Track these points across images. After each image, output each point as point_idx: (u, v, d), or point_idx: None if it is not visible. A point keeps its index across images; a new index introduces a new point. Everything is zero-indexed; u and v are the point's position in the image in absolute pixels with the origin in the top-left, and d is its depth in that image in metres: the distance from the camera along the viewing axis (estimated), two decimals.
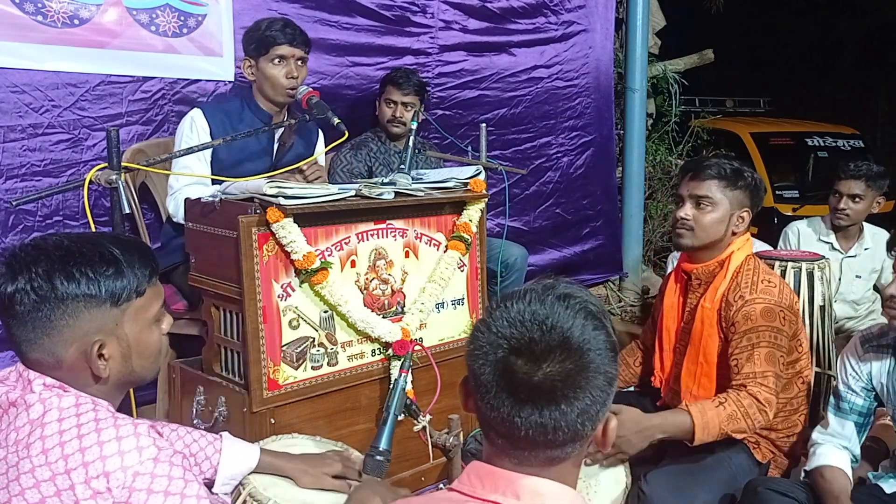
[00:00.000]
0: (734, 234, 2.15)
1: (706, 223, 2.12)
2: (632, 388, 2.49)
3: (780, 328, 2.03)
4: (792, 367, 2.14)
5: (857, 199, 3.36)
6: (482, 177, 2.40)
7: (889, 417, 2.08)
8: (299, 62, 2.56)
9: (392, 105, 3.12)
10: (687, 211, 2.13)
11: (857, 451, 2.00)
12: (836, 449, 1.96)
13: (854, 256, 3.48)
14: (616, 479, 1.86)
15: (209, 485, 1.58)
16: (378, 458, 1.75)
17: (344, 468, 1.70)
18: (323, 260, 2.01)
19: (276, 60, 2.52)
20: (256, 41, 2.54)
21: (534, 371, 0.95)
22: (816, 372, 2.84)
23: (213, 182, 2.42)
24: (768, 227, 5.43)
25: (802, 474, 2.02)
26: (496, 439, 1.00)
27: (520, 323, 0.97)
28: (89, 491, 1.09)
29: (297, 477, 1.66)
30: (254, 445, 1.67)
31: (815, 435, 2.04)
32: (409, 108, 3.10)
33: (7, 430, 1.16)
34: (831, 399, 2.06)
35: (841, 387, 2.03)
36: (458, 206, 2.34)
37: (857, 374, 2.00)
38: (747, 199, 2.15)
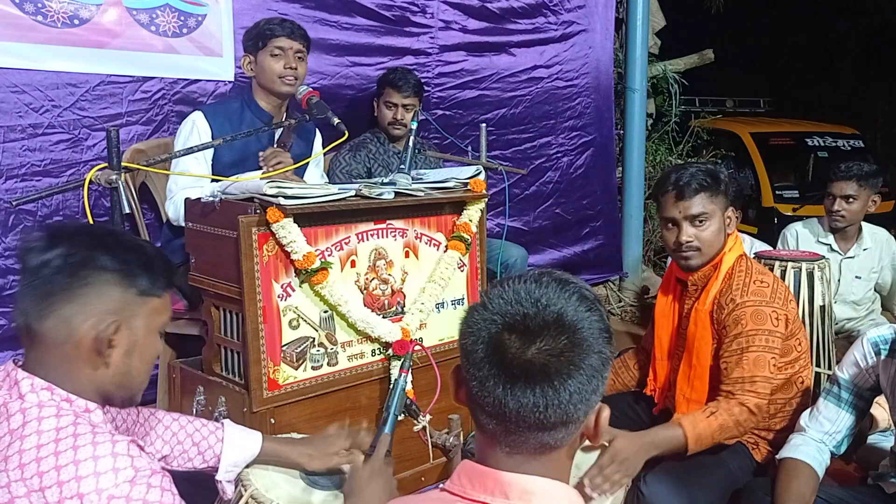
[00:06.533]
0: (728, 235, 2.16)
1: (709, 238, 2.10)
2: (630, 391, 2.49)
3: (773, 329, 2.02)
4: (790, 366, 2.14)
5: (850, 200, 3.35)
6: (482, 177, 2.40)
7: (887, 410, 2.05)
8: (297, 55, 2.59)
9: (392, 108, 3.12)
10: (688, 233, 2.10)
11: (842, 445, 1.96)
12: (813, 443, 1.93)
13: (853, 257, 3.47)
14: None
15: (213, 472, 1.59)
16: None
17: (348, 441, 1.69)
18: (323, 260, 2.01)
19: (274, 52, 2.56)
20: (255, 36, 2.59)
21: (527, 347, 0.95)
22: (816, 372, 2.84)
23: (213, 181, 2.42)
24: (768, 227, 5.44)
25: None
26: (487, 424, 0.99)
27: (515, 301, 0.98)
28: None
29: (304, 463, 1.66)
30: (255, 432, 1.67)
31: (802, 421, 2.00)
32: (409, 109, 3.10)
33: None
34: (833, 388, 1.98)
35: (846, 376, 1.95)
36: (458, 206, 2.34)
37: (866, 374, 1.97)
38: (729, 197, 2.17)
